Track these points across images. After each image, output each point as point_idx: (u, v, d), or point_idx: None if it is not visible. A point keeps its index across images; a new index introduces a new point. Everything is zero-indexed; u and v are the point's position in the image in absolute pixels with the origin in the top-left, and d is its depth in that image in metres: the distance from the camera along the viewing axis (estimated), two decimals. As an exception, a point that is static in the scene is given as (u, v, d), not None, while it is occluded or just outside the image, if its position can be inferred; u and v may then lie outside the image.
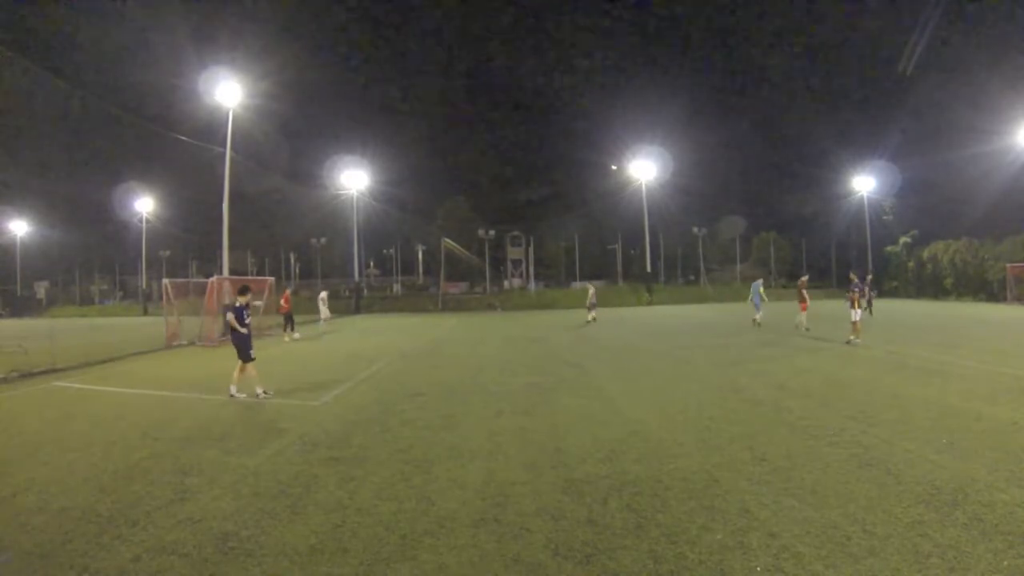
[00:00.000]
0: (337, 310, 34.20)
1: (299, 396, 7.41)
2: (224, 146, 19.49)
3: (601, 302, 33.97)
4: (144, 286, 46.41)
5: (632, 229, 45.64)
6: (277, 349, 13.50)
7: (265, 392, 7.34)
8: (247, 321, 7.49)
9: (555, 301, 36.73)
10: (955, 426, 5.05)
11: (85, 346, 13.13)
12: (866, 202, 41.80)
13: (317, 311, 20.43)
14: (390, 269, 55.43)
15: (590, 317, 19.94)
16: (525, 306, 35.98)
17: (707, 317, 23.06)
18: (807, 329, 13.95)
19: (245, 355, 7.36)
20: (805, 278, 15.57)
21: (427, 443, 5.03)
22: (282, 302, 16.50)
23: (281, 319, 16.48)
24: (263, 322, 18.33)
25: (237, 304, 7.59)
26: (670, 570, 2.72)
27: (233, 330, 7.40)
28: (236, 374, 7.43)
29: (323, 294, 21.15)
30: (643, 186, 38.20)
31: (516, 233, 54.56)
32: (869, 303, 12.17)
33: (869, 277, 13.60)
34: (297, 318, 17.13)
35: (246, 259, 50.01)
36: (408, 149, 69.25)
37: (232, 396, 7.28)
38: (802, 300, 14.67)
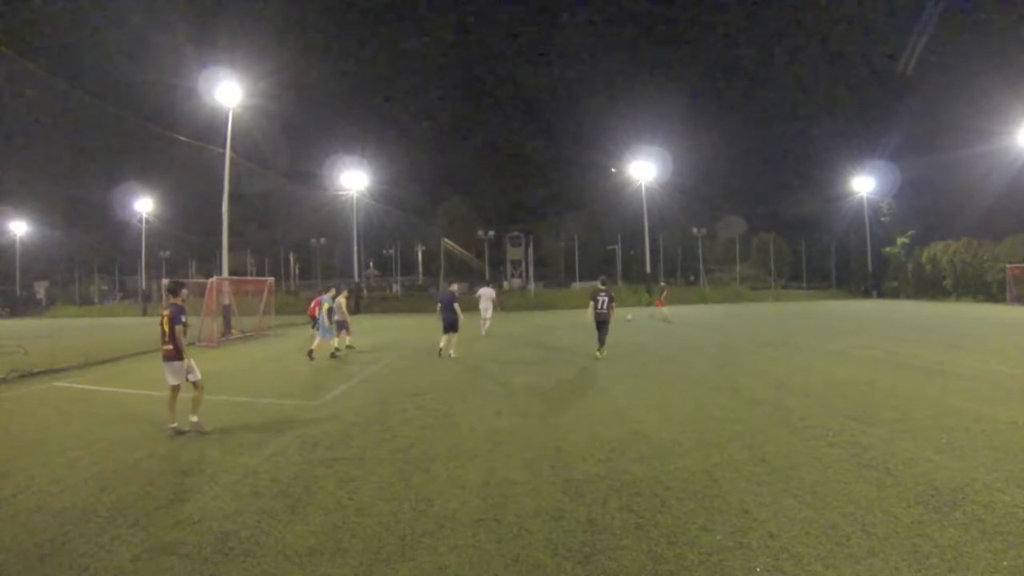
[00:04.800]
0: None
1: (299, 396, 7.41)
2: (224, 146, 19.50)
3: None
4: (144, 286, 46.39)
5: (632, 230, 45.62)
6: (277, 349, 13.48)
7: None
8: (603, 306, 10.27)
9: (555, 301, 36.72)
10: (954, 426, 5.05)
11: (85, 346, 13.11)
12: (866, 202, 41.85)
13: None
14: (390, 269, 55.40)
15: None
16: (525, 306, 35.94)
17: (707, 317, 23.05)
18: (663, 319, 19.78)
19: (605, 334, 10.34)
20: (663, 283, 23.66)
21: (427, 443, 5.03)
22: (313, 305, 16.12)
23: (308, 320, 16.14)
24: (263, 322, 18.36)
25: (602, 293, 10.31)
26: (670, 570, 2.72)
27: (602, 311, 10.16)
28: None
29: (485, 290, 17.31)
30: (643, 186, 38.21)
31: (516, 233, 54.54)
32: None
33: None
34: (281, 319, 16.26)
35: (246, 259, 50.02)
36: (408, 149, 69.31)
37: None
38: (659, 299, 21.64)
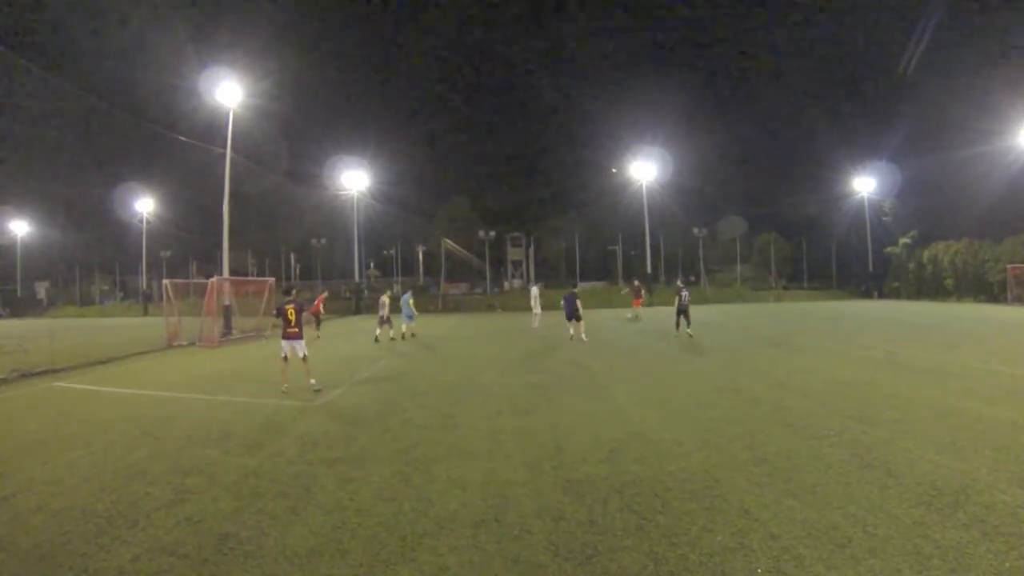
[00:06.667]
0: (338, 311, 34.20)
1: (299, 396, 7.40)
2: (224, 146, 19.49)
3: (601, 303, 34.04)
4: (144, 286, 46.36)
5: (632, 230, 45.49)
6: (277, 349, 13.44)
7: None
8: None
9: (556, 302, 36.62)
10: (956, 426, 5.04)
11: (85, 346, 13.12)
12: (866, 203, 41.77)
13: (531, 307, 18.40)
14: (390, 270, 55.36)
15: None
16: (525, 307, 35.89)
17: (707, 318, 23.03)
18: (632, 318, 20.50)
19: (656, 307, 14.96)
20: (636, 282, 24.05)
21: (427, 443, 5.02)
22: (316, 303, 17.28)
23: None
24: (262, 323, 18.34)
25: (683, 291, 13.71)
26: (671, 571, 2.71)
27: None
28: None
29: (535, 289, 19.45)
30: (643, 187, 38.17)
31: (516, 234, 54.41)
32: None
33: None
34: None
35: (246, 259, 49.97)
36: (408, 149, 69.28)
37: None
38: (637, 297, 21.85)
